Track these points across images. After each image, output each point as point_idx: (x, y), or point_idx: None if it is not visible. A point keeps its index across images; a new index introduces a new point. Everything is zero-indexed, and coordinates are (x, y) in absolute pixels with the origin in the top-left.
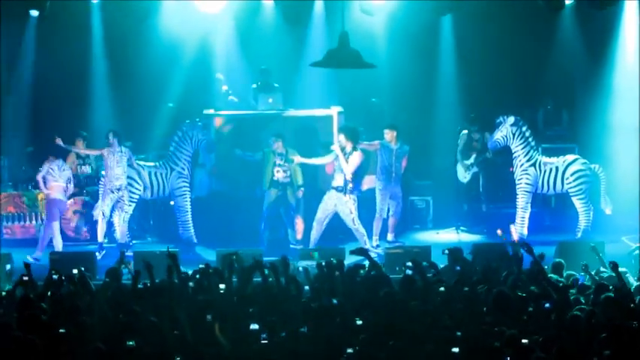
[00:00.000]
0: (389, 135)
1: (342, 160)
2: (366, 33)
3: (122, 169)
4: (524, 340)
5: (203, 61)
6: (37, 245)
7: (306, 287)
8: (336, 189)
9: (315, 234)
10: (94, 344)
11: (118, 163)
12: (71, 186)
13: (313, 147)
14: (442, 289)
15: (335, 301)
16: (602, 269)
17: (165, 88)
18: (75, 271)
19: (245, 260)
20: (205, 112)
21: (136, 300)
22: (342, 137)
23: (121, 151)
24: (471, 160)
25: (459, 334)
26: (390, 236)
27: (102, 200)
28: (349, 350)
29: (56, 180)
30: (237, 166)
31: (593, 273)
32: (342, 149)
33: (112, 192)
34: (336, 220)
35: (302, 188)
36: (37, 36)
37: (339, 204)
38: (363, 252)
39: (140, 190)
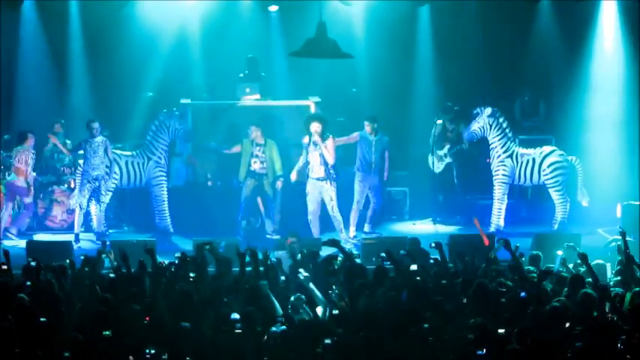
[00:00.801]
0: (368, 127)
1: (325, 149)
2: (343, 23)
3: (100, 160)
4: (500, 331)
5: (181, 50)
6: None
7: (282, 277)
8: (318, 179)
9: (316, 227)
10: (71, 333)
11: (95, 153)
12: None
13: (290, 137)
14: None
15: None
16: (579, 262)
17: (143, 76)
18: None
19: (219, 250)
20: (182, 101)
21: (112, 289)
22: (318, 125)
23: (99, 142)
24: (444, 150)
25: (426, 325)
26: (367, 227)
27: (79, 190)
28: (327, 341)
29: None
30: (213, 155)
31: (570, 266)
32: (323, 138)
33: (89, 182)
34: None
35: (281, 179)
36: (13, 23)
37: (322, 192)
38: (334, 243)
39: (117, 180)
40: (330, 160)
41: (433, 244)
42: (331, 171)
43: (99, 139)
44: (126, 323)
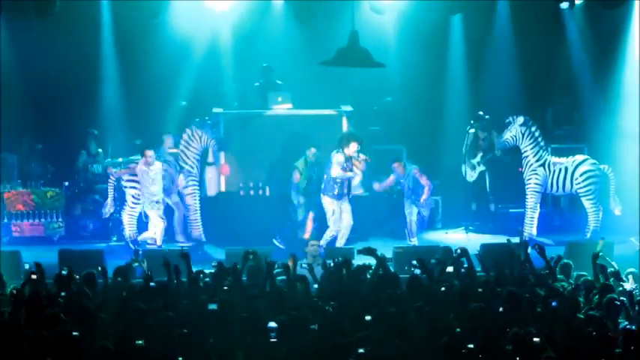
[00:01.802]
0: (398, 167)
1: (357, 168)
2: (375, 32)
3: (159, 186)
4: (535, 339)
5: (213, 60)
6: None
7: (315, 286)
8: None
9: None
10: (101, 343)
11: (154, 181)
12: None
13: (321, 147)
14: (443, 289)
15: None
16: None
17: (175, 86)
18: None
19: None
20: (214, 110)
21: (146, 299)
22: (356, 145)
23: (157, 170)
24: (477, 158)
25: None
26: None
27: (148, 208)
28: (360, 350)
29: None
30: (246, 165)
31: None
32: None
33: (157, 203)
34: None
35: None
36: (47, 34)
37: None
38: (370, 252)
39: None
40: (358, 177)
41: (459, 250)
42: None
43: (156, 166)
44: (159, 333)
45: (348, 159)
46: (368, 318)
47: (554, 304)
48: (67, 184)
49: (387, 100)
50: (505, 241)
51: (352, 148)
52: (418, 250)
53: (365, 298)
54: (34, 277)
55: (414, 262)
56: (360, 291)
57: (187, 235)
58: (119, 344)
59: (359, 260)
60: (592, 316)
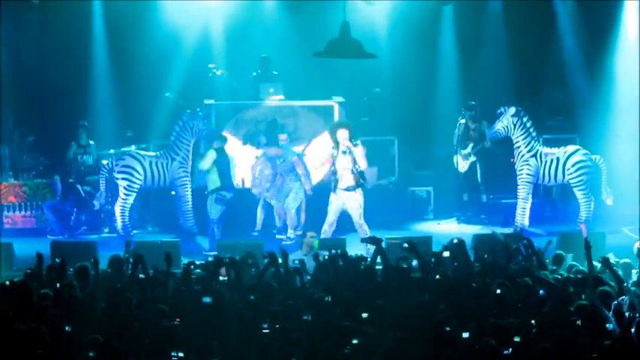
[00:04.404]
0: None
1: (358, 154)
2: (367, 22)
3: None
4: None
5: (204, 51)
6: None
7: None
8: (347, 189)
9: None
10: (92, 336)
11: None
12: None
13: (313, 137)
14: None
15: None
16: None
17: (166, 77)
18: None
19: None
20: (206, 101)
21: (138, 290)
22: (345, 132)
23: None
24: (468, 149)
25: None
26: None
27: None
28: (354, 341)
29: None
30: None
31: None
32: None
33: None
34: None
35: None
36: (37, 24)
37: (347, 201)
38: (375, 241)
39: (141, 180)
40: (364, 165)
41: (456, 240)
42: (361, 178)
43: None
44: (151, 325)
45: (345, 151)
46: (364, 315)
47: (541, 292)
48: (57, 177)
49: (375, 91)
50: (490, 233)
51: (341, 135)
52: (412, 241)
53: (360, 289)
54: (28, 271)
55: (405, 245)
56: (355, 282)
57: (180, 227)
58: (110, 337)
59: (350, 250)
60: (583, 306)
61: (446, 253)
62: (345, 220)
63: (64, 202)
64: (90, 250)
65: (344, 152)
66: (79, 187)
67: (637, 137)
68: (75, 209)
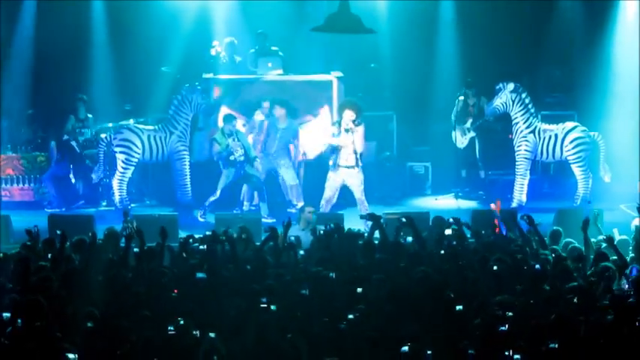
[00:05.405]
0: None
1: (358, 136)
2: None
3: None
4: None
5: (203, 25)
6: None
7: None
8: (347, 167)
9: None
10: (87, 308)
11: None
12: None
13: (311, 112)
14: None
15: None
16: (600, 238)
17: (165, 51)
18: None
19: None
20: (205, 76)
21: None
22: (351, 113)
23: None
24: (467, 124)
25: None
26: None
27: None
28: (350, 316)
29: None
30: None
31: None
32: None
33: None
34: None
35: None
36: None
37: (348, 178)
38: (373, 217)
39: (139, 154)
40: (360, 147)
41: (452, 220)
42: (359, 158)
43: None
44: (148, 297)
45: (348, 129)
46: (359, 289)
47: (537, 266)
48: (53, 143)
49: (371, 67)
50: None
51: (348, 115)
52: (410, 216)
53: (356, 264)
54: (28, 243)
55: (404, 220)
56: (351, 257)
57: (177, 201)
58: (105, 310)
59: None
60: (580, 284)
61: (448, 231)
62: (342, 195)
63: (61, 163)
64: (87, 224)
65: (347, 130)
66: (73, 143)
67: (636, 114)
68: (71, 166)
